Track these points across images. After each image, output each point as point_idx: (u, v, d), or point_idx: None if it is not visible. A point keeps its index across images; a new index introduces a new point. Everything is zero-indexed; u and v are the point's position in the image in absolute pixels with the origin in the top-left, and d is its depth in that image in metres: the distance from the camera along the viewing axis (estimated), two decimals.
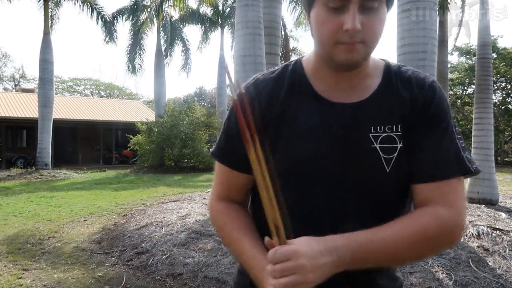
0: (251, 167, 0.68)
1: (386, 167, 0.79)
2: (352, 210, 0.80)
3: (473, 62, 20.34)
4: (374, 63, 0.85)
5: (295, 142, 0.81)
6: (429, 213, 0.76)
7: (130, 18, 16.76)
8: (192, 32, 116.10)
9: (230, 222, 0.86)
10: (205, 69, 77.45)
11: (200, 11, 18.40)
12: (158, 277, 3.48)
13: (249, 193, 0.92)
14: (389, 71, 0.84)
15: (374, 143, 0.79)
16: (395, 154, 0.79)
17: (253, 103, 0.81)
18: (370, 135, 0.80)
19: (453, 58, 28.24)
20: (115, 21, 16.38)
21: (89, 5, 15.22)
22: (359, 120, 0.81)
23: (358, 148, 0.80)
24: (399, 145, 0.79)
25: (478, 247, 3.90)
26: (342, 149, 0.80)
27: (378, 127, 0.80)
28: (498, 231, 4.40)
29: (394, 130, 0.80)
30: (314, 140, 0.81)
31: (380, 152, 0.79)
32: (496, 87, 22.59)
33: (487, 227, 4.48)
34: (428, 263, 3.37)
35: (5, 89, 34.43)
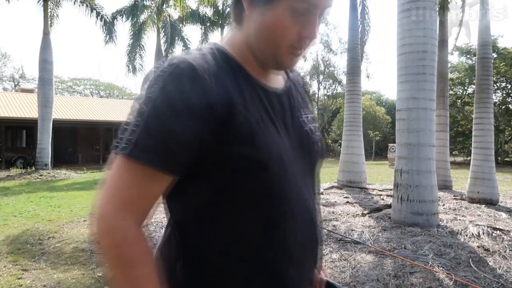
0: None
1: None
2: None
3: (473, 62, 20.33)
4: None
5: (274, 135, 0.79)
6: None
7: (130, 18, 16.72)
8: (192, 32, 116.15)
9: (148, 262, 0.69)
10: None
11: (200, 11, 18.39)
12: None
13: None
14: None
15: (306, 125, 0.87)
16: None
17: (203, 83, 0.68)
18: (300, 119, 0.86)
19: (453, 58, 28.23)
20: (115, 21, 16.35)
21: (88, 5, 15.20)
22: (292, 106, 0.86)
23: (301, 131, 0.86)
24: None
25: (478, 247, 3.89)
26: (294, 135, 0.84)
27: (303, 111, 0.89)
28: (498, 231, 4.40)
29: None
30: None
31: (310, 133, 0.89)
32: (496, 87, 22.60)
33: (488, 227, 4.47)
34: (428, 263, 3.37)
35: (5, 89, 34.47)
